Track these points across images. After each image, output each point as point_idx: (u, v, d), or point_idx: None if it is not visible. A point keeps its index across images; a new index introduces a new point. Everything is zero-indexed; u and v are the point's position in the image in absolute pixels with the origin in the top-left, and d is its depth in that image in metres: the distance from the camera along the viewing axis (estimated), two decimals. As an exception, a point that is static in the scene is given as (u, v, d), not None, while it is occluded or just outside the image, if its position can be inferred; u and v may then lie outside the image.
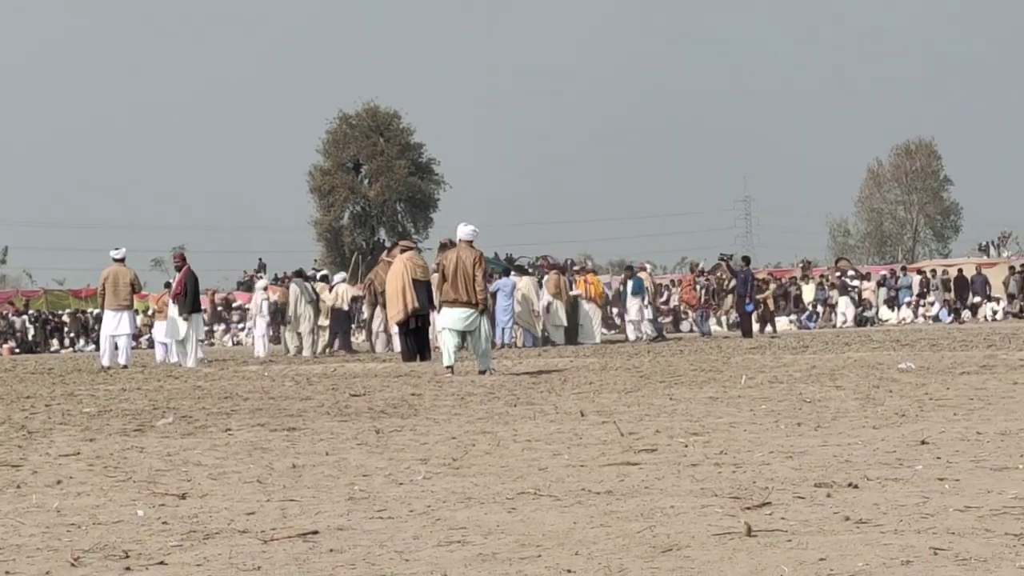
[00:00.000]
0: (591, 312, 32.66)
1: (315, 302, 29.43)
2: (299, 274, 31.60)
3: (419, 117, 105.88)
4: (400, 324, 22.49)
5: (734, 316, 37.37)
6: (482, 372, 17.02)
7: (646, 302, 32.63)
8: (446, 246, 31.45)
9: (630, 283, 32.82)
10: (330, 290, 31.10)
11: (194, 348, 24.44)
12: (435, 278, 21.79)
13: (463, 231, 17.58)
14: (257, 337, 31.72)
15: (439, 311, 18.81)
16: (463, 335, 17.27)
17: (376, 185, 68.73)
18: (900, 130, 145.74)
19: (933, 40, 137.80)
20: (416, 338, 22.39)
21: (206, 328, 35.15)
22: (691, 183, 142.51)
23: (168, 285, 25.92)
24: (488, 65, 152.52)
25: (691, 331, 37.12)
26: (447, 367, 16.80)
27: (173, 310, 24.84)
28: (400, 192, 68.84)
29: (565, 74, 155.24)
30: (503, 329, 30.50)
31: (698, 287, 37.08)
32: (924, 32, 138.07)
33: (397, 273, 22.21)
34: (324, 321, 30.50)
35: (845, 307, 42.59)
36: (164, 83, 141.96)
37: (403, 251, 23.44)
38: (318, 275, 33.53)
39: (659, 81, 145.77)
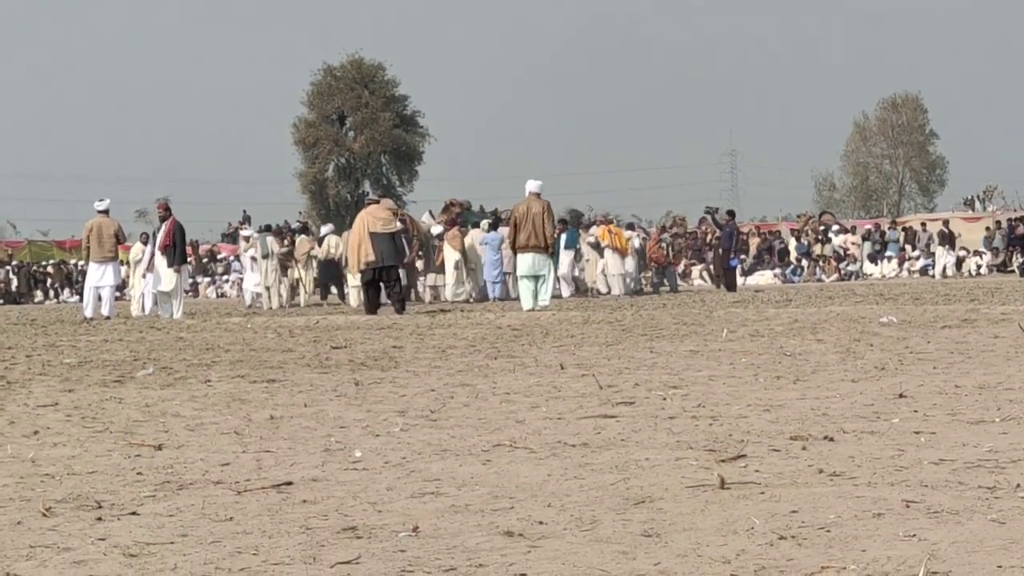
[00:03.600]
0: (612, 262, 32.30)
1: (270, 256, 29.62)
2: (264, 229, 31.78)
3: (404, 69, 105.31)
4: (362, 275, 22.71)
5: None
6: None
7: (582, 261, 32.40)
8: (448, 207, 32.31)
9: (563, 236, 32.30)
10: (320, 243, 31.33)
11: (180, 299, 24.38)
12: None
13: (532, 185, 20.74)
14: (247, 291, 31.88)
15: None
16: (537, 279, 20.45)
17: (361, 137, 68.57)
18: (886, 84, 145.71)
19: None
20: (376, 291, 22.36)
21: (191, 280, 35.18)
22: (677, 137, 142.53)
23: (145, 236, 25.68)
24: (472, 18, 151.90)
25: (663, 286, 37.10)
26: (530, 310, 18.61)
27: (159, 261, 24.66)
28: (385, 144, 68.70)
29: (550, 27, 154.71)
30: (493, 284, 30.41)
31: (663, 244, 36.94)
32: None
33: (357, 226, 22.37)
34: (303, 272, 30.64)
35: (944, 256, 42.41)
36: (149, 34, 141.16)
37: (368, 204, 23.52)
38: (299, 227, 33.73)
39: (644, 33, 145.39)
